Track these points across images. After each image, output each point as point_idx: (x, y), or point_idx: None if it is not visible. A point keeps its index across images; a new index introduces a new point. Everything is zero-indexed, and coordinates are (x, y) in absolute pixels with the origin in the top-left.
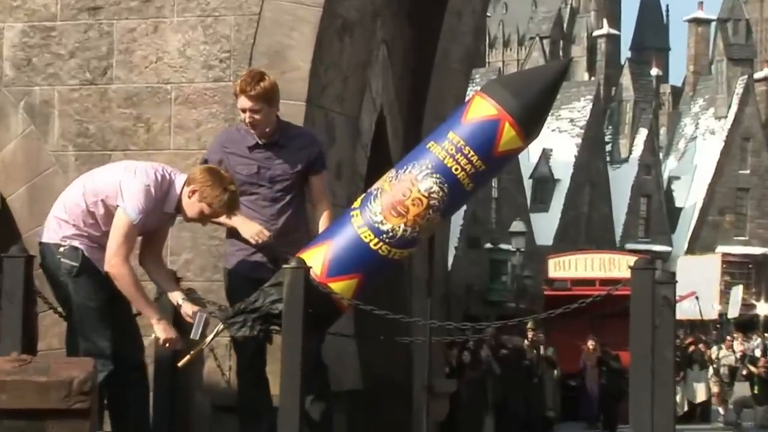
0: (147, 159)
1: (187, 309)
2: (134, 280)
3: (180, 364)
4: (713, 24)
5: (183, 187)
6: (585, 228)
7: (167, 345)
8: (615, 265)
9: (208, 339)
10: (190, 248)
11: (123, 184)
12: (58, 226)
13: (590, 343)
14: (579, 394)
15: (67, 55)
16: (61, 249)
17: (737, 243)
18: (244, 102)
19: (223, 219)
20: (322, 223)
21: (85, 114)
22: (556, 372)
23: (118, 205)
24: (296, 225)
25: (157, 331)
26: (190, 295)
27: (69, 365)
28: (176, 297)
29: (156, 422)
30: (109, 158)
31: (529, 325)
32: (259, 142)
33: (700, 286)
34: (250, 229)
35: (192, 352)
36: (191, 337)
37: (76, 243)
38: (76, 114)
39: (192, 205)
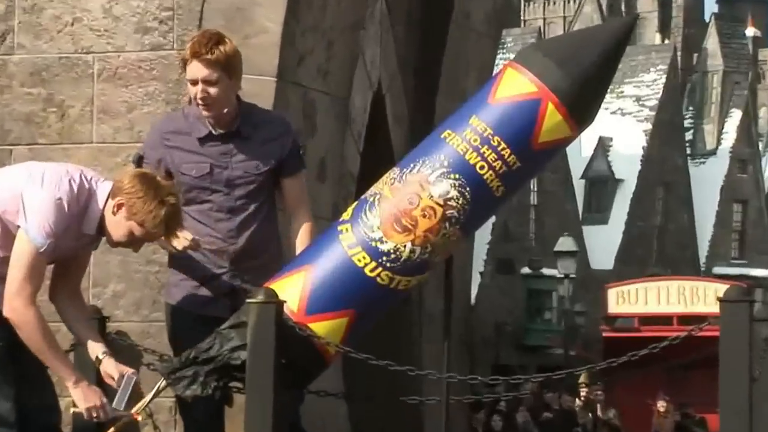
0: (61, 155)
1: (110, 368)
2: (44, 328)
3: None
4: None
5: (107, 200)
6: (658, 246)
7: (91, 415)
8: (699, 297)
9: (146, 400)
10: (119, 277)
11: (26, 196)
12: None
13: (661, 404)
14: None
15: None
16: None
17: None
18: (196, 70)
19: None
20: (300, 241)
21: None
22: None
23: (19, 225)
24: (264, 244)
25: (75, 397)
26: (120, 341)
27: None
28: (96, 350)
29: None
30: (8, 156)
31: (582, 379)
32: (213, 131)
33: None
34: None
35: (123, 420)
36: (114, 405)
37: None
38: None
39: (118, 224)
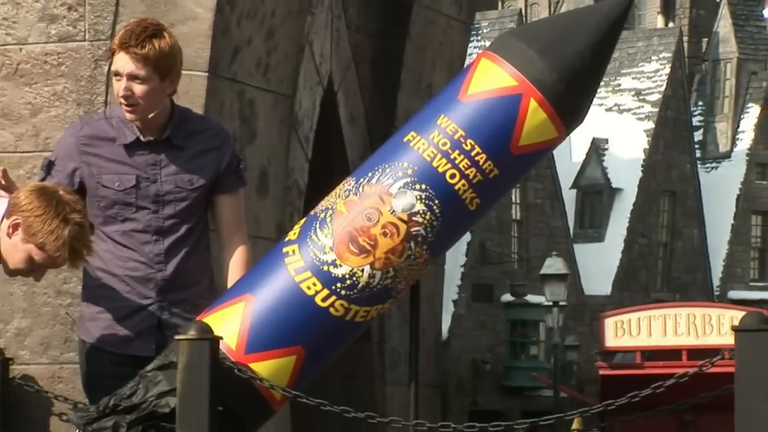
0: None
1: None
2: None
3: None
4: None
5: (1, 220)
6: (663, 267)
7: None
8: (712, 326)
9: None
10: (24, 311)
11: None
12: None
13: None
14: None
15: None
16: None
17: None
18: (122, 62)
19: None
20: (237, 267)
21: None
22: None
23: None
24: (196, 272)
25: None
26: (26, 387)
27: None
28: None
29: None
30: None
31: (575, 425)
32: (142, 138)
33: None
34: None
35: None
36: None
37: None
38: None
39: (14, 248)
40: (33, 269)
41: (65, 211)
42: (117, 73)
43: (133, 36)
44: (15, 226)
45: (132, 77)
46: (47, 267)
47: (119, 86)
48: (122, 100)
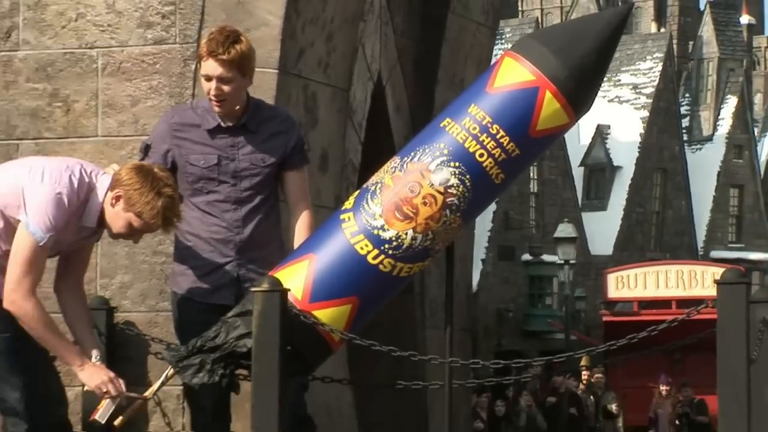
0: (67, 149)
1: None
2: (43, 317)
3: (116, 423)
4: None
5: (106, 193)
6: (656, 231)
7: (102, 392)
8: (697, 280)
9: (154, 388)
10: (126, 268)
11: (27, 191)
12: None
13: (663, 387)
14: None
15: None
16: None
17: None
18: (212, 67)
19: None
20: (302, 231)
21: None
22: (618, 424)
23: (20, 220)
24: (268, 235)
25: (83, 378)
26: (128, 331)
27: None
28: (89, 351)
29: None
30: (15, 150)
31: (583, 362)
32: (222, 124)
33: None
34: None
35: (132, 406)
36: (91, 419)
37: None
38: None
39: (117, 216)
40: (132, 233)
41: (159, 185)
42: (207, 77)
43: (218, 44)
44: (117, 198)
45: (221, 79)
46: (144, 232)
47: (209, 86)
48: (213, 98)
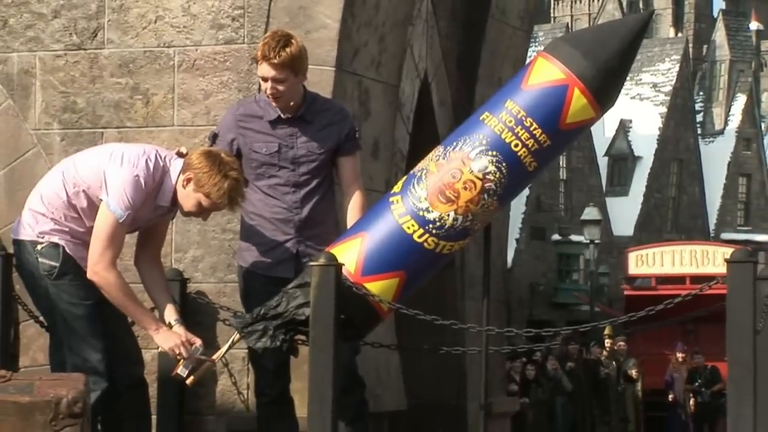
0: (146, 137)
1: (180, 334)
2: (123, 286)
3: (188, 381)
4: None
5: (179, 175)
6: (672, 215)
7: (174, 353)
8: (709, 259)
9: (223, 350)
10: (198, 244)
11: (107, 174)
12: (34, 221)
13: (679, 354)
14: (667, 413)
15: (50, 14)
16: (39, 247)
17: None
18: (266, 70)
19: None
20: (354, 211)
21: (72, 85)
22: (638, 387)
23: (101, 199)
24: (324, 215)
25: (158, 341)
26: (199, 300)
27: (56, 383)
28: (169, 316)
29: None
30: (101, 137)
31: (606, 331)
32: (282, 116)
33: None
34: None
35: (202, 368)
36: (173, 373)
37: (55, 239)
38: (61, 85)
39: (187, 196)
40: (201, 212)
41: (225, 169)
42: (264, 78)
43: (270, 49)
44: (188, 180)
45: (275, 80)
46: (211, 210)
47: (266, 86)
48: (270, 96)
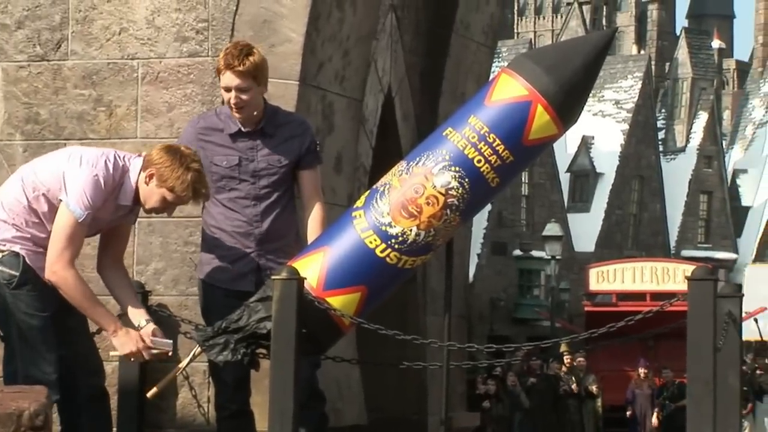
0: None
1: (148, 332)
2: (81, 286)
3: (149, 394)
4: None
5: (139, 173)
6: (633, 231)
7: (131, 359)
8: (669, 276)
9: (183, 364)
10: (160, 256)
11: (66, 175)
12: None
13: (642, 370)
14: (628, 430)
15: (13, 25)
16: (0, 255)
17: None
18: (230, 79)
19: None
20: (315, 225)
21: (35, 96)
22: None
23: (61, 200)
24: (285, 228)
25: (115, 343)
26: (161, 312)
27: (18, 395)
28: (138, 317)
29: None
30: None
31: (564, 347)
32: (243, 129)
33: None
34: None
35: (163, 381)
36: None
37: (17, 248)
38: (24, 96)
39: (151, 193)
40: (165, 207)
41: (187, 161)
42: (227, 88)
43: (234, 57)
44: (150, 176)
45: (239, 89)
46: (176, 205)
47: (229, 96)
48: (233, 106)
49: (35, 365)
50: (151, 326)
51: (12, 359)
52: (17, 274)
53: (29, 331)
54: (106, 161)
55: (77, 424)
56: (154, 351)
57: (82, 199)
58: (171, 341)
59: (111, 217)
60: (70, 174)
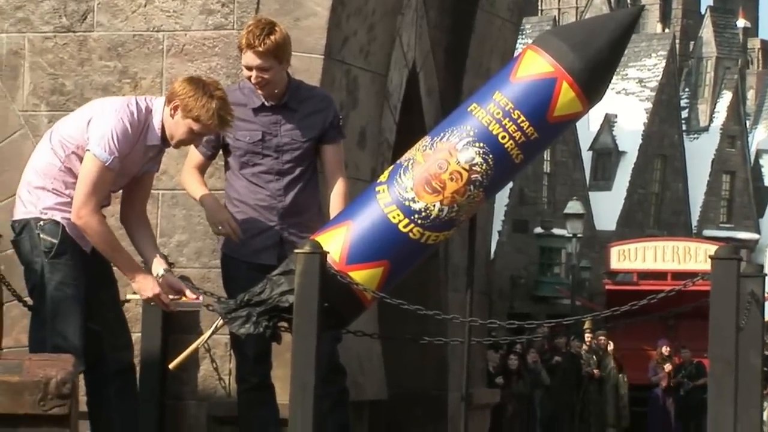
0: None
1: (172, 282)
2: (107, 231)
3: (171, 366)
4: None
5: (164, 109)
6: (655, 210)
7: (153, 303)
8: (691, 255)
9: (205, 336)
10: (183, 228)
11: (92, 125)
12: (35, 197)
13: (665, 348)
14: (648, 408)
15: None
16: (41, 223)
17: None
18: (250, 59)
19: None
20: (337, 200)
21: (61, 67)
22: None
23: (88, 150)
24: (307, 203)
25: (135, 287)
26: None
27: (45, 363)
28: (158, 267)
29: None
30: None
31: (587, 325)
32: (266, 103)
33: None
34: (215, 214)
35: (185, 353)
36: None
37: (57, 216)
38: (50, 67)
39: (177, 125)
40: (193, 138)
41: (210, 90)
42: (248, 67)
43: (255, 37)
44: (175, 108)
45: (260, 69)
46: (203, 135)
47: (251, 74)
48: (256, 85)
49: (63, 335)
50: (171, 276)
51: (41, 328)
52: (56, 241)
53: (62, 301)
54: (128, 105)
55: (104, 396)
56: (181, 309)
57: (108, 143)
58: (200, 302)
59: (142, 161)
60: (95, 123)
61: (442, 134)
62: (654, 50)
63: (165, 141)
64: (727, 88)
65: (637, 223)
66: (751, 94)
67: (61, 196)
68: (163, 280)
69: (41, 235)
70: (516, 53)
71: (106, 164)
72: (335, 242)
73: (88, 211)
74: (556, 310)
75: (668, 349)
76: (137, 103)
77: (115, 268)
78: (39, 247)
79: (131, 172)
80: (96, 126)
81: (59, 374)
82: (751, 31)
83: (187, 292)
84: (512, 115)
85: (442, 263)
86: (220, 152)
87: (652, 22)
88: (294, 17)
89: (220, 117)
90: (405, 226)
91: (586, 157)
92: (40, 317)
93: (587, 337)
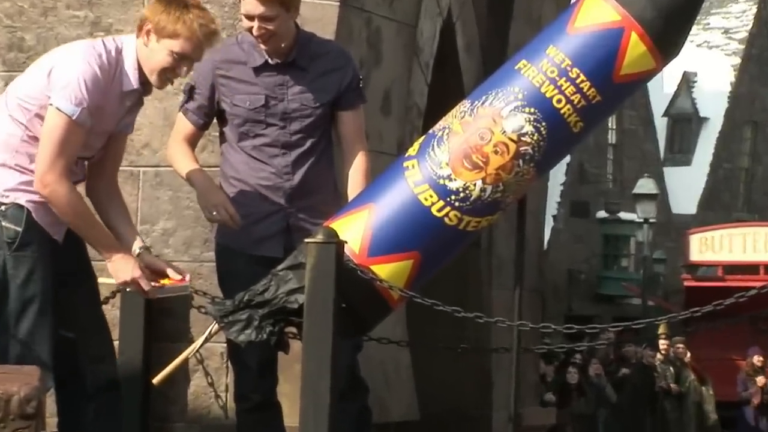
0: None
1: (150, 262)
2: (78, 202)
3: (155, 381)
4: None
5: (136, 44)
6: (744, 190)
7: (130, 288)
8: None
9: (197, 344)
10: (169, 213)
11: (53, 75)
12: None
13: (757, 358)
14: (736, 429)
15: None
16: (2, 208)
17: None
18: (251, 6)
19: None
20: (358, 178)
21: (20, 18)
22: (707, 392)
23: (51, 103)
24: (320, 181)
25: (111, 270)
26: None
27: (5, 377)
28: (134, 246)
29: None
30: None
31: (661, 330)
32: (270, 61)
33: None
34: (208, 196)
35: (172, 365)
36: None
37: (21, 200)
38: (6, 18)
39: (153, 53)
40: (176, 63)
41: (183, 2)
42: (249, 16)
43: None
44: (147, 33)
45: (263, 18)
46: (187, 55)
47: (251, 25)
48: (258, 38)
49: (28, 344)
50: (149, 255)
51: (2, 334)
52: (20, 230)
53: (28, 302)
54: (94, 46)
55: (80, 417)
56: (163, 295)
57: (73, 93)
58: (186, 284)
59: (119, 114)
60: (56, 72)
61: (484, 98)
62: None
63: (144, 85)
64: None
65: (722, 205)
66: None
67: (25, 174)
68: (140, 260)
69: (2, 223)
70: None
71: (73, 117)
72: (354, 229)
73: (55, 176)
74: (623, 312)
75: (761, 358)
76: (104, 44)
77: (94, 262)
78: (0, 238)
79: (107, 129)
80: (58, 75)
81: (22, 390)
82: None
83: (170, 272)
84: (570, 73)
85: (485, 255)
86: (214, 121)
87: None
88: None
89: (202, 27)
90: (439, 210)
91: (660, 124)
92: (2, 321)
93: (662, 344)
